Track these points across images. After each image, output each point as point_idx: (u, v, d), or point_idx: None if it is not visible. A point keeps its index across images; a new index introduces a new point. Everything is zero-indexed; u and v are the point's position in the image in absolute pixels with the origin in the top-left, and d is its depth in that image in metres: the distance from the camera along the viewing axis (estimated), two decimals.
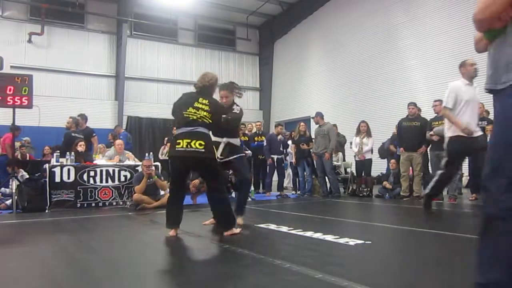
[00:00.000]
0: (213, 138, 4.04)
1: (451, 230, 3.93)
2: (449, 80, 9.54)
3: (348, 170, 8.91)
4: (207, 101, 3.73)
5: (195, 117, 3.63)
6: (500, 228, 1.52)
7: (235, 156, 4.22)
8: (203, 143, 3.57)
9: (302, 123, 8.72)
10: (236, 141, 4.31)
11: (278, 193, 8.59)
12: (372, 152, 8.11)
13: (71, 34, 12.85)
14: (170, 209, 3.75)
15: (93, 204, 6.43)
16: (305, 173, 8.44)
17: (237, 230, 3.76)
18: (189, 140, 3.55)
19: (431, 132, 6.74)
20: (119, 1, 13.28)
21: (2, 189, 6.70)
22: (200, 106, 3.68)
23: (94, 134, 8.20)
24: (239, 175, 4.45)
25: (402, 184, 7.23)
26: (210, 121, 3.70)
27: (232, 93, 4.28)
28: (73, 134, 7.45)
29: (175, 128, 4.31)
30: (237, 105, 4.30)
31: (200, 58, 14.76)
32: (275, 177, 8.72)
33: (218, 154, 4.04)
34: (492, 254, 1.53)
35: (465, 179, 8.33)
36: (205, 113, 3.68)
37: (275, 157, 8.55)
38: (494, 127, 1.71)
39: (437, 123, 6.65)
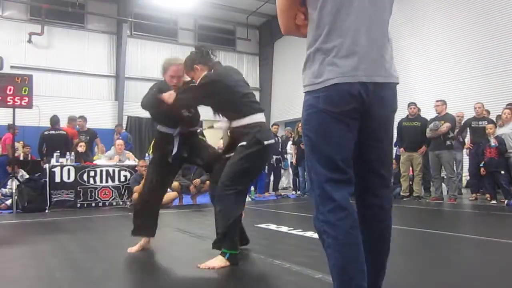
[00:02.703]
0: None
1: (451, 230, 3.93)
2: (449, 79, 9.60)
3: None
4: None
5: None
6: (325, 243, 1.46)
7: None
8: None
9: (300, 124, 8.73)
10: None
11: (280, 193, 8.62)
12: None
13: (71, 34, 12.83)
14: None
15: (93, 204, 6.43)
16: (305, 173, 8.45)
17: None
18: None
19: (429, 127, 6.75)
20: (119, 1, 13.26)
21: (2, 189, 6.70)
22: None
23: (97, 136, 8.25)
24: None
25: (402, 184, 7.24)
26: None
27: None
28: (45, 133, 7.39)
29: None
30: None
31: None
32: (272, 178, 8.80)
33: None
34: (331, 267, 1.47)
35: (465, 179, 8.34)
36: None
37: (273, 157, 8.57)
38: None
39: (442, 122, 6.66)
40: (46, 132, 7.35)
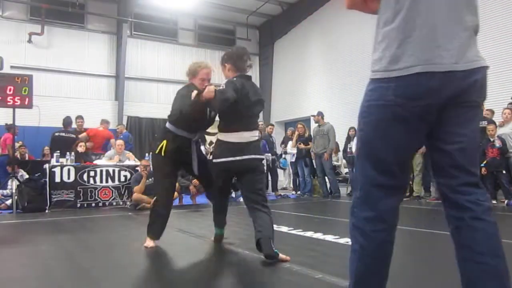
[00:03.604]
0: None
1: None
2: None
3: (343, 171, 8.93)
4: None
5: None
6: (352, 246, 1.35)
7: None
8: None
9: (299, 125, 8.75)
10: None
11: (279, 194, 8.62)
12: None
13: (71, 34, 12.83)
14: None
15: (93, 204, 6.43)
16: (305, 173, 8.45)
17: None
18: None
19: None
20: (119, 1, 13.26)
21: (1, 190, 6.70)
22: None
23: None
24: None
25: None
26: None
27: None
28: (56, 134, 7.51)
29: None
30: None
31: (200, 58, 14.72)
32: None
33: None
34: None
35: None
36: None
37: (270, 157, 8.58)
38: None
39: None
40: (56, 134, 7.49)
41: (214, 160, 3.04)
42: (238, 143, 2.97)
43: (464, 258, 1.27)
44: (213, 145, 3.24)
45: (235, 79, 3.02)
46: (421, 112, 1.22)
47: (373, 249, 1.29)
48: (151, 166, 6.87)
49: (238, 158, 2.96)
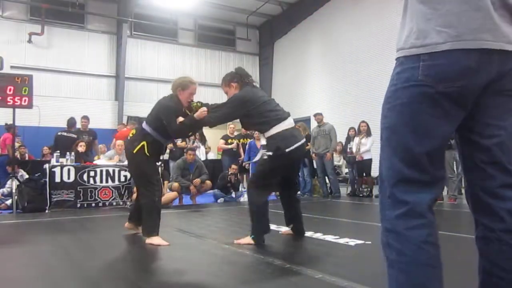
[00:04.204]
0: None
1: (451, 230, 3.93)
2: None
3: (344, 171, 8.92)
4: None
5: None
6: (388, 260, 1.15)
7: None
8: None
9: (297, 126, 8.73)
10: None
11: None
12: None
13: (71, 34, 12.84)
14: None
15: (93, 204, 6.43)
16: (305, 173, 8.44)
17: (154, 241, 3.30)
18: None
19: None
20: (119, 1, 13.27)
21: (2, 189, 6.71)
22: None
23: (96, 137, 8.33)
24: None
25: None
26: None
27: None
28: (59, 133, 7.73)
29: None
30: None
31: (200, 58, 14.76)
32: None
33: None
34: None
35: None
36: None
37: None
38: None
39: None
40: (59, 133, 7.77)
41: (287, 150, 3.07)
42: (293, 128, 3.26)
43: (485, 270, 1.16)
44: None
45: (242, 91, 3.27)
46: (454, 94, 1.06)
47: (412, 251, 1.07)
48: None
49: (303, 141, 3.25)
